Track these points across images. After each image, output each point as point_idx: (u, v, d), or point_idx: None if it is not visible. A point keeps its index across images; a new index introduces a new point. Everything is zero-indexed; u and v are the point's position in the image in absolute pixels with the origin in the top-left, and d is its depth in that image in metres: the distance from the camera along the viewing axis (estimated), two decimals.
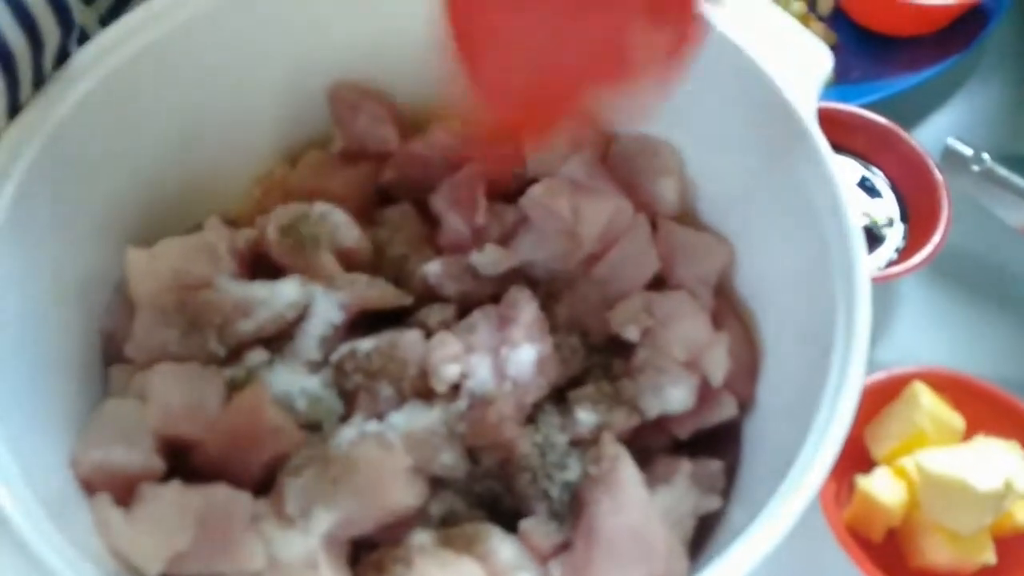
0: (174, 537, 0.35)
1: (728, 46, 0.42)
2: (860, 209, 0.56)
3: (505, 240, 0.45)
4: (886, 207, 0.56)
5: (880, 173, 0.57)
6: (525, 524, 0.38)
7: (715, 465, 0.41)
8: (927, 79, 0.62)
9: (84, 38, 0.41)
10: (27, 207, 0.38)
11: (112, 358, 0.42)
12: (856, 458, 0.47)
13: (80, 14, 0.41)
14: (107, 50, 0.41)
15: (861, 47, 0.67)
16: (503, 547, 0.38)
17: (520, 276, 0.44)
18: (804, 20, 0.68)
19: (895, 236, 0.55)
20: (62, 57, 0.40)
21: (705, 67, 0.43)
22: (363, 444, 0.38)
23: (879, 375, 0.48)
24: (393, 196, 0.48)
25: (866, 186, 0.57)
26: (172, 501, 0.36)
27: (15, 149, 0.38)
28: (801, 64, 0.41)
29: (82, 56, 0.40)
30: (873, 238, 0.55)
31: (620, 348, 0.43)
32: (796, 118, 0.40)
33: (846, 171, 0.57)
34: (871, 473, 0.46)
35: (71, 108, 0.40)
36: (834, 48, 0.67)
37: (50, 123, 0.39)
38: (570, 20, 0.29)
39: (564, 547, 0.38)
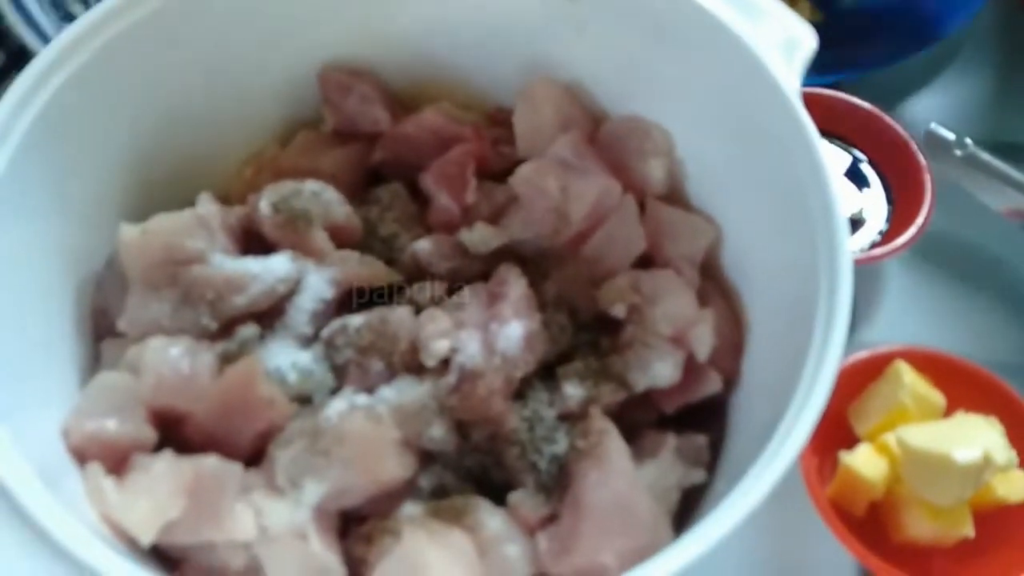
0: (166, 506, 0.35)
1: (714, 25, 0.42)
2: (849, 199, 0.57)
3: (494, 219, 0.46)
4: (872, 193, 0.57)
5: (864, 157, 0.58)
6: (513, 496, 0.39)
7: (700, 439, 0.41)
8: (912, 58, 0.63)
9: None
10: (19, 182, 0.38)
11: (104, 332, 0.42)
12: (839, 435, 0.48)
13: None
14: (97, 27, 0.41)
15: (846, 24, 0.68)
16: (491, 519, 0.38)
17: (509, 254, 0.45)
18: None
19: (879, 219, 0.56)
20: None
21: (691, 47, 0.44)
22: (353, 417, 0.39)
23: (862, 354, 0.49)
24: (384, 176, 0.49)
25: (854, 172, 0.58)
26: (163, 471, 0.36)
27: (6, 124, 0.38)
28: (785, 43, 0.42)
29: (73, 31, 0.40)
30: (858, 221, 0.56)
31: (608, 325, 0.43)
32: (782, 97, 0.41)
33: (835, 158, 0.58)
34: (854, 449, 0.46)
35: (62, 84, 0.40)
36: (819, 26, 0.68)
37: (41, 98, 0.39)
38: None
39: (551, 519, 0.39)
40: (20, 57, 0.41)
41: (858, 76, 0.62)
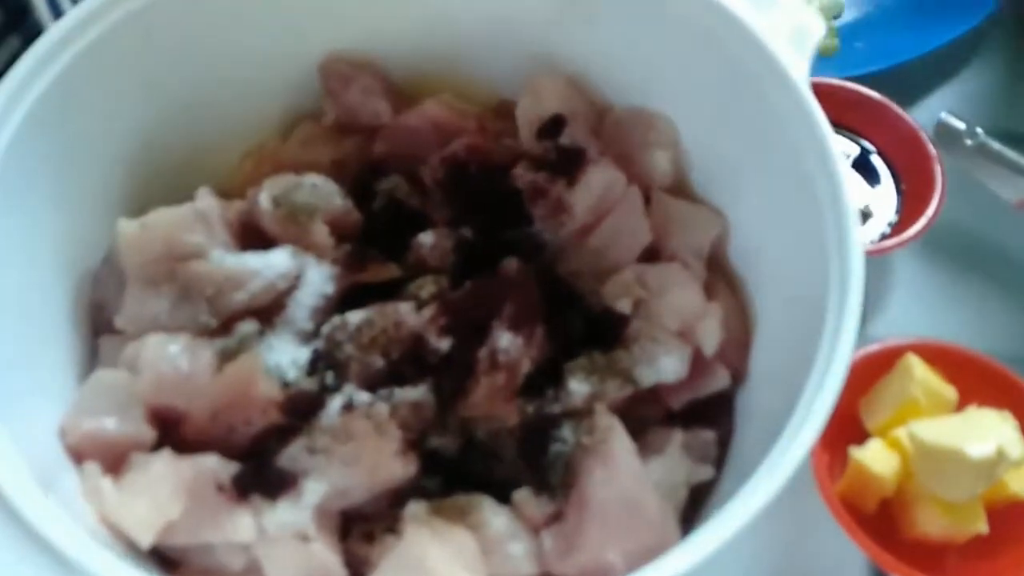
0: (165, 507, 0.35)
1: (722, 14, 0.41)
2: (858, 191, 0.56)
3: None
4: (882, 184, 0.56)
5: (874, 148, 0.58)
6: (518, 495, 0.38)
7: (708, 435, 0.41)
8: (930, 51, 0.63)
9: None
10: (15, 175, 0.38)
11: (102, 328, 0.42)
12: (850, 430, 0.48)
13: None
14: (92, 18, 0.40)
15: (865, 17, 0.68)
16: (496, 517, 0.38)
17: (513, 247, 0.44)
18: None
19: (889, 210, 0.55)
20: None
21: (699, 36, 0.43)
22: (354, 415, 0.38)
23: (873, 348, 0.48)
24: (384, 168, 0.48)
25: (864, 163, 0.57)
26: (162, 470, 0.36)
27: (2, 114, 0.38)
28: (794, 32, 0.41)
29: (66, 24, 0.40)
30: (867, 213, 0.55)
31: (613, 320, 0.43)
32: (791, 87, 0.40)
33: (844, 149, 0.57)
34: (864, 445, 0.46)
35: (59, 74, 0.39)
36: (838, 17, 0.67)
37: (35, 92, 0.39)
38: None
39: (556, 517, 0.38)
40: (19, 16, 0.40)
41: (877, 71, 0.61)
